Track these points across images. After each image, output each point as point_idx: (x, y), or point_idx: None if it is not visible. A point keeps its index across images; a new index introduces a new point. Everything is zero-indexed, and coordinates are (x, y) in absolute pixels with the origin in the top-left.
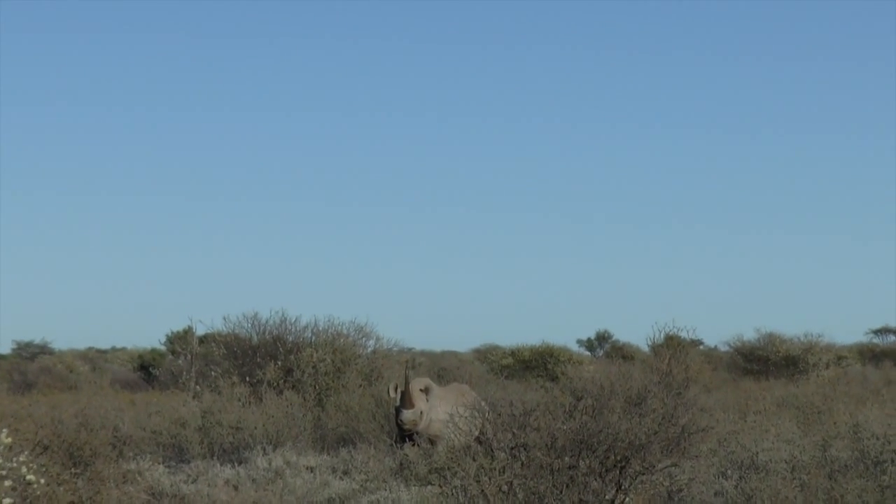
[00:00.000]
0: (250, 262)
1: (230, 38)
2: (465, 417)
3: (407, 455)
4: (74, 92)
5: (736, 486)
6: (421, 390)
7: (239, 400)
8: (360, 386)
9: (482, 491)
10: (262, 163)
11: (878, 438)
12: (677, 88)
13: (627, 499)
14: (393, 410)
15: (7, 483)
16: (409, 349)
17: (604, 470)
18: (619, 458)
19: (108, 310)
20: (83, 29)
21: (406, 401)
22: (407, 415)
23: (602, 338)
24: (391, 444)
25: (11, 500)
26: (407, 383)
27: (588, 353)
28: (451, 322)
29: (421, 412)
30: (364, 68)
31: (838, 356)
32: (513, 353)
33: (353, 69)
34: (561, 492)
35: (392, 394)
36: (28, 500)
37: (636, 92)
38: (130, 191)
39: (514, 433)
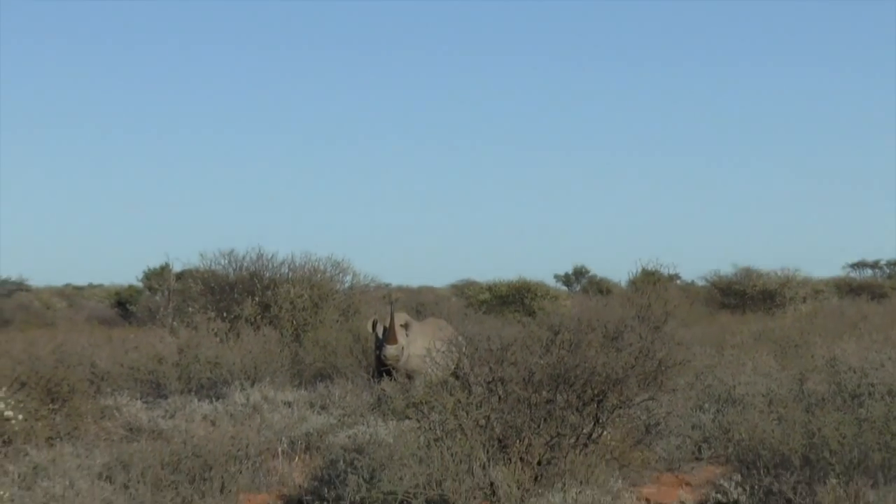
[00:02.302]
0: (227, 198)
1: None
2: (443, 352)
3: (384, 390)
4: (53, 24)
5: (713, 420)
6: (401, 325)
7: (216, 336)
8: (338, 321)
9: (459, 425)
10: (239, 97)
11: (854, 372)
12: (653, 22)
13: (605, 432)
14: (372, 346)
15: None
16: (387, 285)
17: (581, 404)
18: (596, 392)
19: (85, 246)
20: None
21: (390, 336)
22: (390, 350)
23: (579, 273)
24: (368, 379)
25: None
26: (392, 319)
27: (565, 288)
28: (428, 257)
29: (402, 347)
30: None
31: (815, 290)
32: (490, 288)
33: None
34: (538, 426)
35: (372, 329)
36: (6, 436)
37: (612, 26)
38: (107, 126)
39: (491, 368)
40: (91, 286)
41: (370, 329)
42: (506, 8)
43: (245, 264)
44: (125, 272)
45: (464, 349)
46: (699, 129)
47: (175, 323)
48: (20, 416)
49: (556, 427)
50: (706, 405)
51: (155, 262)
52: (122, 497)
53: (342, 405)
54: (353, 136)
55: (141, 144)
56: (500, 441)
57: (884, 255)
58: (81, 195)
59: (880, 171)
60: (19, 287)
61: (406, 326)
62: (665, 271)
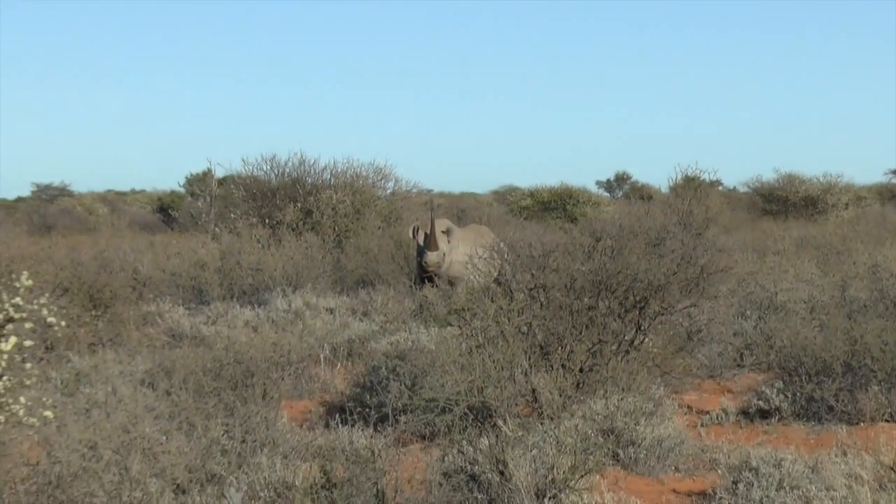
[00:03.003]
0: (269, 103)
1: None
2: (485, 259)
3: (426, 296)
4: None
5: (755, 327)
6: (442, 232)
7: (258, 242)
8: (380, 228)
9: (501, 332)
10: (280, 6)
11: None
12: None
13: (646, 339)
14: (414, 252)
15: (28, 325)
16: (428, 191)
17: (623, 311)
18: (638, 298)
19: (128, 152)
20: None
21: (431, 243)
22: (431, 257)
23: (621, 179)
24: (410, 286)
25: (32, 342)
26: (433, 226)
27: (607, 194)
28: (470, 163)
29: (443, 254)
30: None
31: (857, 196)
32: (532, 194)
33: None
34: (580, 332)
35: (412, 236)
36: (49, 342)
37: None
38: (151, 33)
39: (533, 274)
40: (133, 192)
41: (411, 235)
42: None
43: (287, 170)
44: (167, 178)
45: (506, 256)
46: (740, 35)
47: (217, 229)
48: (63, 323)
49: (598, 334)
50: (748, 312)
51: (197, 168)
52: (165, 403)
53: (384, 312)
54: (397, 44)
55: (184, 50)
56: (541, 348)
57: None
58: (124, 101)
59: None
60: (62, 193)
61: (448, 233)
62: (706, 177)
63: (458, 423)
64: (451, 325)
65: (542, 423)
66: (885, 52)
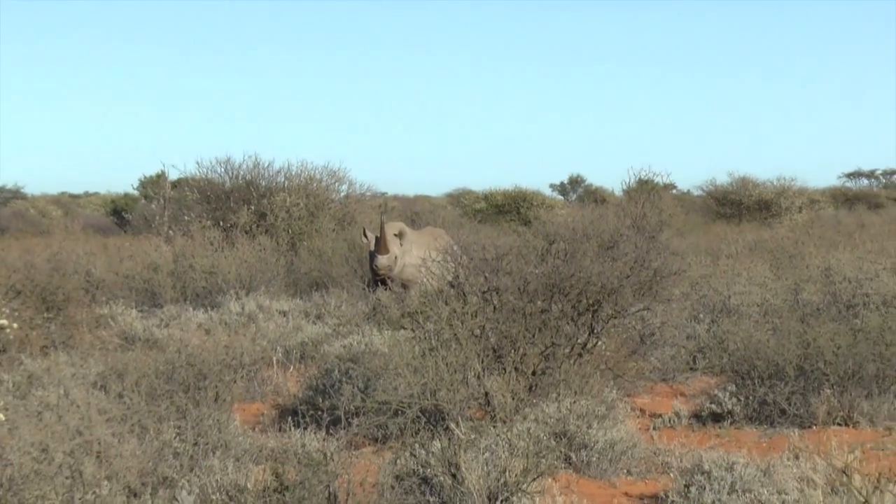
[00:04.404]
0: (223, 105)
1: None
2: (439, 262)
3: (380, 299)
4: None
5: (708, 330)
6: (395, 235)
7: (212, 244)
8: (333, 230)
9: (455, 335)
10: (238, 5)
11: (850, 282)
12: None
13: (599, 342)
14: (367, 255)
15: None
16: (382, 194)
17: (576, 314)
18: (591, 301)
19: (81, 155)
20: None
21: (381, 246)
22: (382, 260)
23: (575, 182)
24: (364, 289)
25: None
26: (382, 229)
27: (561, 197)
28: (423, 166)
29: (395, 257)
30: None
31: (811, 200)
32: (486, 197)
33: None
34: (533, 336)
35: (364, 238)
36: (1, 345)
37: None
38: (104, 34)
39: (486, 277)
40: (87, 194)
41: (362, 238)
42: None
43: (241, 173)
44: (121, 180)
45: (459, 259)
46: (695, 37)
47: (171, 231)
48: (15, 325)
49: (551, 337)
50: (701, 315)
51: (151, 170)
52: (117, 406)
53: (337, 315)
54: (351, 45)
55: (139, 51)
56: (494, 351)
57: (880, 164)
58: (78, 103)
59: (876, 80)
60: (15, 195)
61: (400, 235)
62: (660, 180)
63: (410, 426)
64: (404, 328)
65: (494, 426)
66: (841, 55)
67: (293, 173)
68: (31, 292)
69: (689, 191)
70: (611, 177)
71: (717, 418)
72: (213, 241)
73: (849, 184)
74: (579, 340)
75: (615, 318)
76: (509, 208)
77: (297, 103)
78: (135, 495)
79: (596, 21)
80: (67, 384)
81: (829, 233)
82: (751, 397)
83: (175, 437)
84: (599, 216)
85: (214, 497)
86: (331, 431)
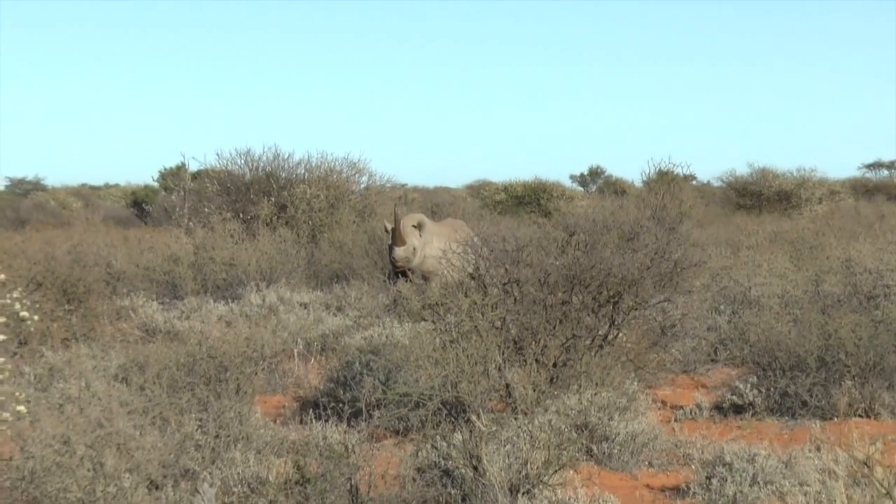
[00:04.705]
0: (244, 97)
1: None
2: (459, 253)
3: (400, 291)
4: None
5: (729, 321)
6: (414, 226)
7: (232, 236)
8: (354, 222)
9: (475, 326)
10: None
11: (870, 273)
12: None
13: (620, 334)
14: (386, 247)
15: (1, 320)
16: (403, 185)
17: (597, 305)
18: (611, 293)
19: (102, 146)
20: None
21: (397, 238)
22: (399, 252)
23: (595, 173)
24: (385, 281)
25: (5, 337)
26: (397, 220)
27: (581, 188)
28: (444, 158)
29: (413, 248)
30: None
31: (831, 191)
32: (506, 188)
33: None
34: (554, 327)
35: (386, 231)
36: (22, 337)
37: None
38: (125, 26)
39: (506, 269)
40: (107, 186)
41: (384, 230)
42: None
43: (261, 164)
44: (142, 172)
45: (479, 250)
46: (716, 29)
47: (191, 223)
48: (36, 317)
49: (572, 329)
50: (722, 307)
51: (171, 162)
52: (138, 398)
53: (358, 306)
54: (372, 36)
55: (160, 43)
56: (515, 343)
57: None
58: (98, 94)
59: None
60: (36, 187)
61: (420, 227)
62: (680, 172)
63: (431, 419)
64: (424, 319)
65: (515, 419)
66: (860, 47)
67: (313, 165)
68: (51, 284)
69: (708, 182)
70: (631, 168)
71: (738, 410)
72: (233, 233)
73: (869, 174)
74: (600, 332)
75: (636, 309)
76: (529, 200)
77: (317, 95)
78: (156, 487)
79: (617, 12)
80: (89, 376)
81: (849, 224)
82: (772, 389)
83: (196, 430)
84: (619, 207)
85: (236, 489)
86: (352, 424)
